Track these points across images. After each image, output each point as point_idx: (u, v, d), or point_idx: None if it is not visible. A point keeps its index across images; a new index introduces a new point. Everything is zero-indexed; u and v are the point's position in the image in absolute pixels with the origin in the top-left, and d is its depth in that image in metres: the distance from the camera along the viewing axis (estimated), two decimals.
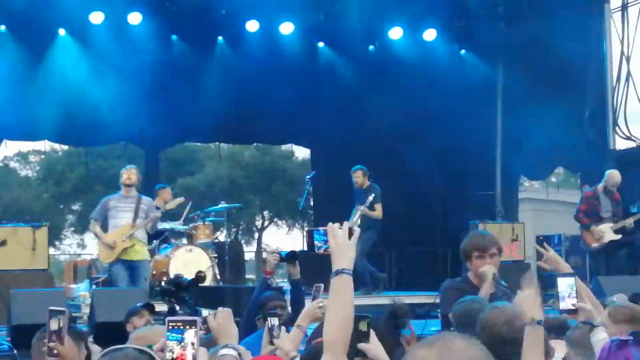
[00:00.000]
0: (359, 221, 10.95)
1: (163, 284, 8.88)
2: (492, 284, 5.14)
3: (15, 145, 31.41)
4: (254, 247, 34.17)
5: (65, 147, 28.65)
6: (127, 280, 9.63)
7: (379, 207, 11.25)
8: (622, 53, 13.43)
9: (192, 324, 2.69)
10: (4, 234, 10.26)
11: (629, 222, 10.95)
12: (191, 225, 11.59)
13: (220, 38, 14.04)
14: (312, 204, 16.47)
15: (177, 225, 11.64)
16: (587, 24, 13.54)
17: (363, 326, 3.07)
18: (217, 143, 20.62)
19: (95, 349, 4.04)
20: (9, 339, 8.02)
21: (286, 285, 6.73)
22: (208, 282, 10.38)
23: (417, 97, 13.89)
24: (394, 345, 3.44)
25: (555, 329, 4.03)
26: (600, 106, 13.58)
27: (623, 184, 11.09)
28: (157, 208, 10.26)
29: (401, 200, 13.31)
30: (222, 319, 3.53)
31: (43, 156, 33.15)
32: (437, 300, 5.99)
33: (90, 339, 4.81)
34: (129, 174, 9.89)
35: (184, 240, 11.53)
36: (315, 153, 16.54)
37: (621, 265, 11.13)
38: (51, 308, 3.51)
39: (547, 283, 4.68)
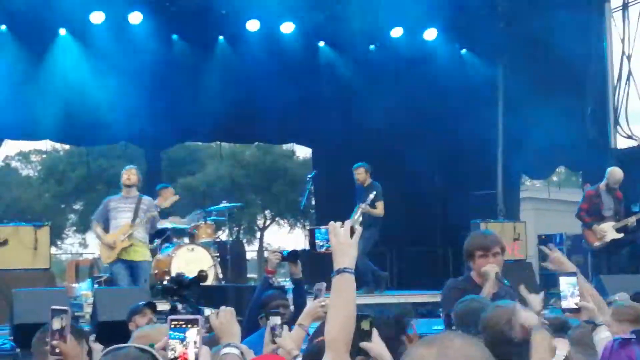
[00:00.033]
0: (360, 219, 10.94)
1: (165, 282, 8.90)
2: (495, 283, 5.13)
3: (17, 145, 31.60)
4: (255, 246, 34.20)
5: (67, 147, 28.66)
6: (127, 280, 9.61)
7: (380, 205, 11.23)
8: (622, 52, 13.45)
9: (195, 322, 2.67)
10: (6, 234, 10.25)
11: (631, 220, 10.93)
12: (193, 224, 11.60)
13: (221, 38, 14.03)
14: (313, 203, 16.46)
15: (179, 219, 11.69)
16: (587, 23, 13.54)
17: (365, 325, 3.07)
18: (218, 142, 20.61)
19: (97, 347, 4.04)
20: (12, 338, 8.04)
21: (288, 284, 6.74)
22: (210, 282, 10.39)
23: (417, 97, 13.88)
24: (397, 345, 3.44)
25: (556, 328, 4.02)
26: (601, 105, 13.60)
27: (625, 182, 11.07)
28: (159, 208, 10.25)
29: (401, 200, 13.28)
30: (225, 317, 3.53)
31: (44, 156, 33.19)
32: (440, 299, 5.98)
33: (93, 337, 4.81)
34: (129, 174, 9.88)
35: (186, 240, 11.53)
36: (316, 152, 16.56)
37: (623, 264, 11.10)
38: (53, 307, 3.50)
39: (549, 282, 4.69)
